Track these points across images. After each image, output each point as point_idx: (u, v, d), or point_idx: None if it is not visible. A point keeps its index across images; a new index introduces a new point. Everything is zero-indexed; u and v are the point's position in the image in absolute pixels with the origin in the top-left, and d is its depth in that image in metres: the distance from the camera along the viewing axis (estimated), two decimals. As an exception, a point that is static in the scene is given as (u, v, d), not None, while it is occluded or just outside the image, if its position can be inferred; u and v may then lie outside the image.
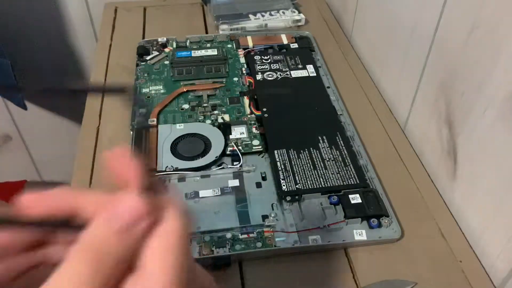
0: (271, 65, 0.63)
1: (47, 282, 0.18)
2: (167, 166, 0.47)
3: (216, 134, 0.51)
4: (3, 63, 0.73)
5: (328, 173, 0.47)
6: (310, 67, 0.62)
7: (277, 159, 0.48)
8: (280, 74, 0.61)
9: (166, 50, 0.66)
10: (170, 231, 0.19)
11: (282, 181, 0.46)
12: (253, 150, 0.50)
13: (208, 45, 0.67)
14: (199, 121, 0.54)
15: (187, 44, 0.67)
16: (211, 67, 0.62)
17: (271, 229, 0.42)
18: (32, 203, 0.21)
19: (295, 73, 0.61)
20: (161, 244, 0.19)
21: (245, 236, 0.42)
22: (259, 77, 0.61)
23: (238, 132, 0.52)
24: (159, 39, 0.67)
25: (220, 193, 0.46)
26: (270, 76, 0.61)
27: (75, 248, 0.18)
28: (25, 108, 0.80)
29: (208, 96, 0.57)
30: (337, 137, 0.51)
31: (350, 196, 0.45)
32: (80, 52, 0.93)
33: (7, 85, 0.76)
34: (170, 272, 0.18)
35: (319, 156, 0.49)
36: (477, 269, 0.42)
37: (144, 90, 0.58)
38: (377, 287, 0.39)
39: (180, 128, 0.52)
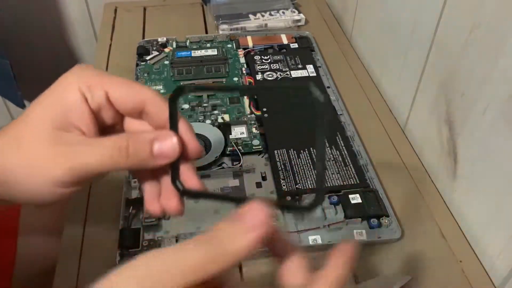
0: (271, 65, 0.63)
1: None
2: (167, 166, 0.47)
3: (216, 134, 0.51)
4: (2, 63, 0.73)
5: (328, 173, 0.47)
6: (310, 67, 0.62)
7: (277, 159, 0.48)
8: (280, 74, 0.61)
9: (166, 50, 0.66)
10: (339, 276, 0.22)
11: (282, 181, 0.46)
12: (253, 150, 0.50)
13: (208, 45, 0.67)
14: (199, 121, 0.54)
15: (187, 44, 0.67)
16: (211, 67, 0.62)
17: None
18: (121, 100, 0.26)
19: (295, 73, 0.61)
20: (332, 276, 0.22)
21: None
22: (259, 77, 0.61)
23: (238, 132, 0.52)
24: (159, 39, 0.67)
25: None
26: (270, 76, 0.61)
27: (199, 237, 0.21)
28: (23, 107, 0.80)
29: (208, 96, 0.57)
30: (337, 137, 0.51)
31: (350, 196, 0.45)
32: (80, 52, 0.93)
33: (6, 84, 0.76)
34: None
35: (319, 156, 0.49)
36: (477, 269, 0.42)
37: (144, 90, 0.58)
38: (373, 283, 0.39)
39: (180, 128, 0.52)
